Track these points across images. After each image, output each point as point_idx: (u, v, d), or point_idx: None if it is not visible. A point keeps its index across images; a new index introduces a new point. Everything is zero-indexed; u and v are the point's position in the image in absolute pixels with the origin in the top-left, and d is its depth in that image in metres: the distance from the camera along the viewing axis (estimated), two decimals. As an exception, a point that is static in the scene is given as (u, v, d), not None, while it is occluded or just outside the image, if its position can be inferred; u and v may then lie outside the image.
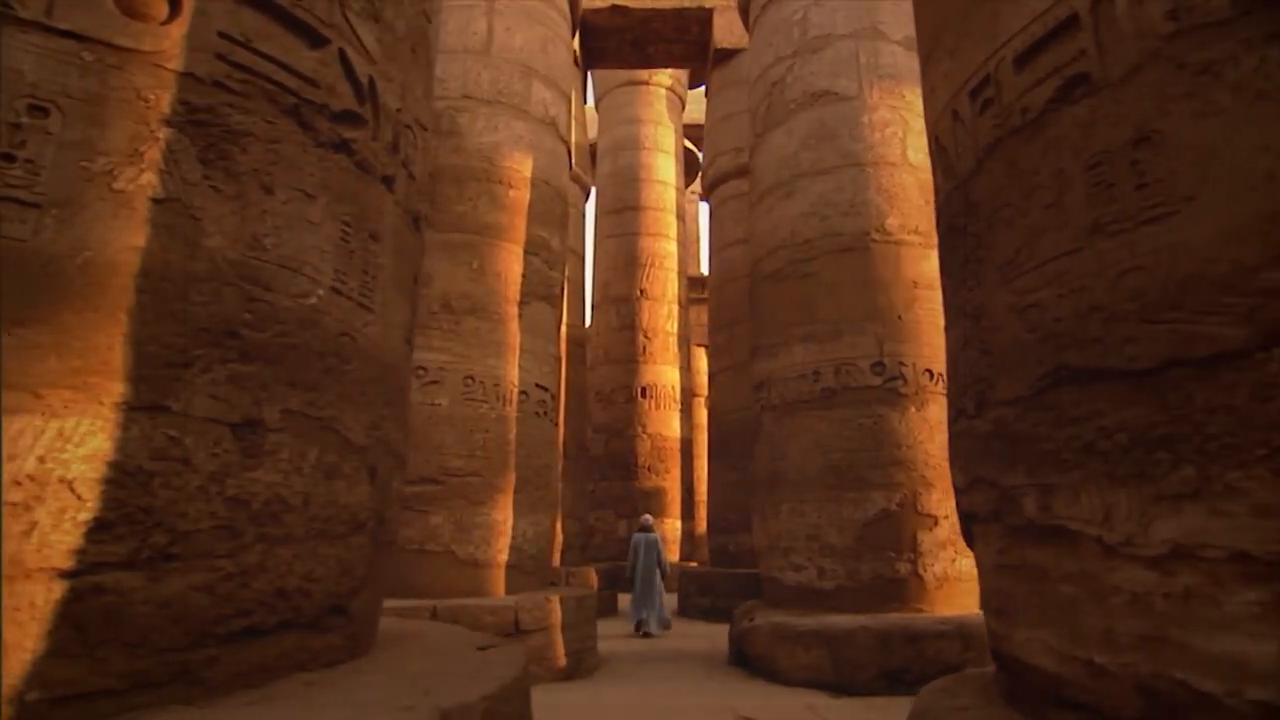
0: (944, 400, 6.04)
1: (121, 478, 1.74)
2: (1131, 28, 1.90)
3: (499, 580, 6.91)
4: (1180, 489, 1.70)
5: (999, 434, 2.35)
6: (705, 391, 17.91)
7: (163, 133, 1.91)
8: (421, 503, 6.62)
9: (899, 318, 7.24)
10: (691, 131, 21.61)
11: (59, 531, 1.64)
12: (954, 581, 6.66)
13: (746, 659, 7.12)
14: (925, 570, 6.70)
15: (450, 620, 5.71)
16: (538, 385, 7.70)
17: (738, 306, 12.58)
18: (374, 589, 2.61)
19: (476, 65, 7.84)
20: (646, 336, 16.86)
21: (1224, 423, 1.63)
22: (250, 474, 1.99)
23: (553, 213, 8.31)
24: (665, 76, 18.61)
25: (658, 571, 10.29)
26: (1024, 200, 2.25)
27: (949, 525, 6.57)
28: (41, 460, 1.64)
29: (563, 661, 6.79)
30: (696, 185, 22.01)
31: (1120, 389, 1.86)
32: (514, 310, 7.46)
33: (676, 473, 16.53)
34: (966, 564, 6.41)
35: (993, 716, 2.32)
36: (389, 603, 5.52)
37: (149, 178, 1.87)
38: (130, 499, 1.75)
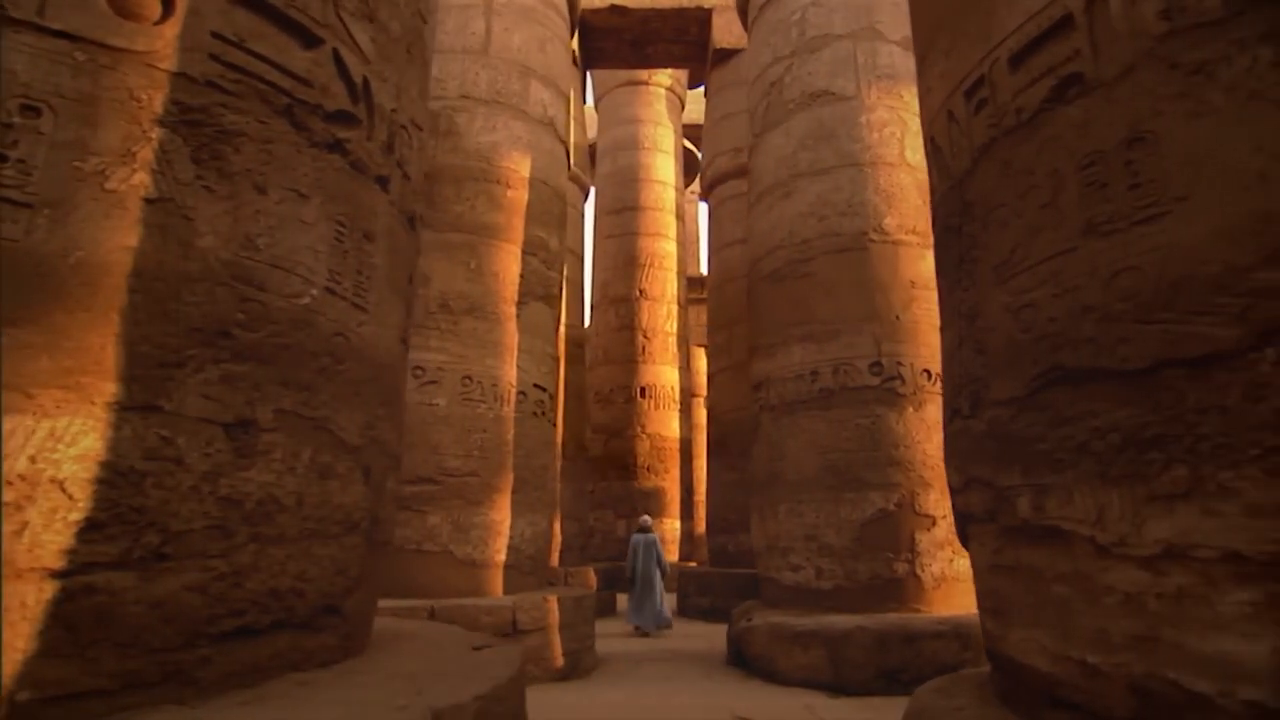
0: (941, 400, 6.04)
1: (113, 477, 1.74)
2: (1125, 27, 1.90)
3: (497, 580, 6.90)
4: (1172, 489, 1.70)
5: (993, 434, 2.35)
6: (704, 391, 17.90)
7: (155, 133, 1.91)
8: (419, 503, 6.61)
9: (897, 318, 7.24)
10: (691, 131, 21.62)
11: (50, 531, 1.64)
12: (952, 581, 6.66)
13: (745, 659, 7.12)
14: (923, 570, 6.70)
15: (448, 620, 5.70)
16: (535, 385, 7.70)
17: (737, 306, 12.57)
18: (368, 589, 2.61)
19: (475, 65, 7.84)
20: (646, 337, 16.86)
21: (1216, 423, 1.63)
22: (243, 474, 1.99)
23: (551, 213, 8.31)
24: (665, 77, 18.61)
25: (657, 572, 10.31)
26: (1018, 200, 2.25)
27: (947, 525, 6.57)
28: (33, 460, 1.64)
29: (560, 661, 6.79)
30: (696, 185, 22.01)
31: (1113, 389, 1.86)
32: (512, 310, 7.46)
33: (676, 473, 16.53)
34: (964, 564, 6.41)
35: (987, 717, 2.32)
36: (386, 603, 5.54)
37: (141, 178, 1.87)
38: (122, 499, 1.75)
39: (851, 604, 6.73)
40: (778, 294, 7.97)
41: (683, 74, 18.92)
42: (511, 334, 7.41)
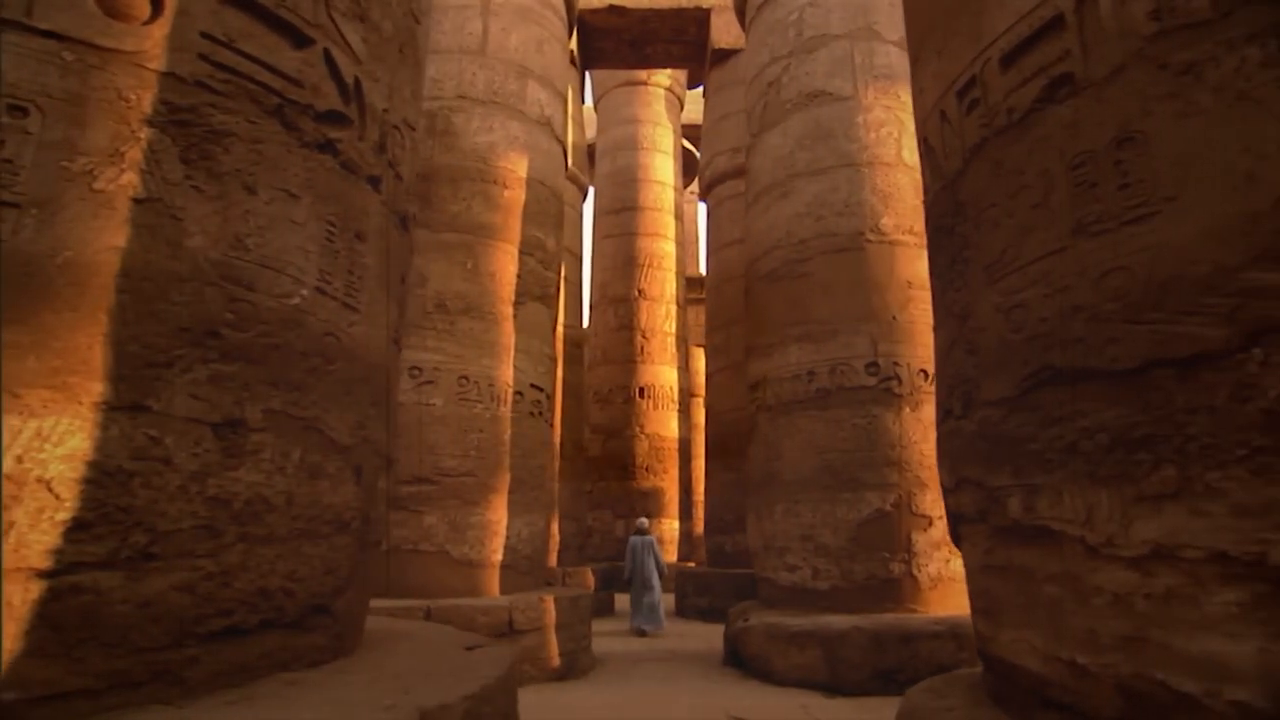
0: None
1: (100, 477, 1.74)
2: (1115, 28, 1.90)
3: (493, 580, 6.90)
4: (1161, 489, 1.70)
5: (985, 434, 2.35)
6: (703, 392, 17.89)
7: (144, 133, 1.91)
8: (416, 503, 6.61)
9: (893, 318, 7.24)
10: (690, 132, 21.61)
11: (36, 531, 1.64)
12: (948, 582, 6.65)
13: (741, 659, 7.12)
14: (919, 571, 6.70)
15: (444, 620, 5.70)
16: (532, 385, 7.69)
17: (735, 307, 12.56)
18: (359, 589, 2.61)
19: (472, 65, 7.83)
20: (644, 337, 16.86)
21: (1204, 423, 1.63)
22: (232, 474, 1.99)
23: (548, 213, 8.30)
24: (664, 77, 18.61)
25: (654, 573, 10.36)
26: (1010, 200, 2.25)
27: (943, 526, 6.55)
28: (19, 460, 1.64)
29: (557, 661, 6.78)
30: (695, 185, 22.01)
31: (1103, 389, 1.86)
32: (509, 310, 7.46)
33: (674, 473, 16.53)
34: (960, 564, 6.39)
35: (979, 717, 2.32)
36: (382, 603, 5.54)
37: (130, 178, 1.87)
38: (109, 499, 1.75)
39: (848, 604, 6.73)
40: (775, 294, 7.97)
41: (682, 74, 18.92)
42: (508, 334, 7.41)
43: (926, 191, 2.93)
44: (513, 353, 7.42)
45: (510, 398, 7.32)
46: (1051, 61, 2.08)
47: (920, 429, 6.94)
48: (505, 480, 7.14)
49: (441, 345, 6.99)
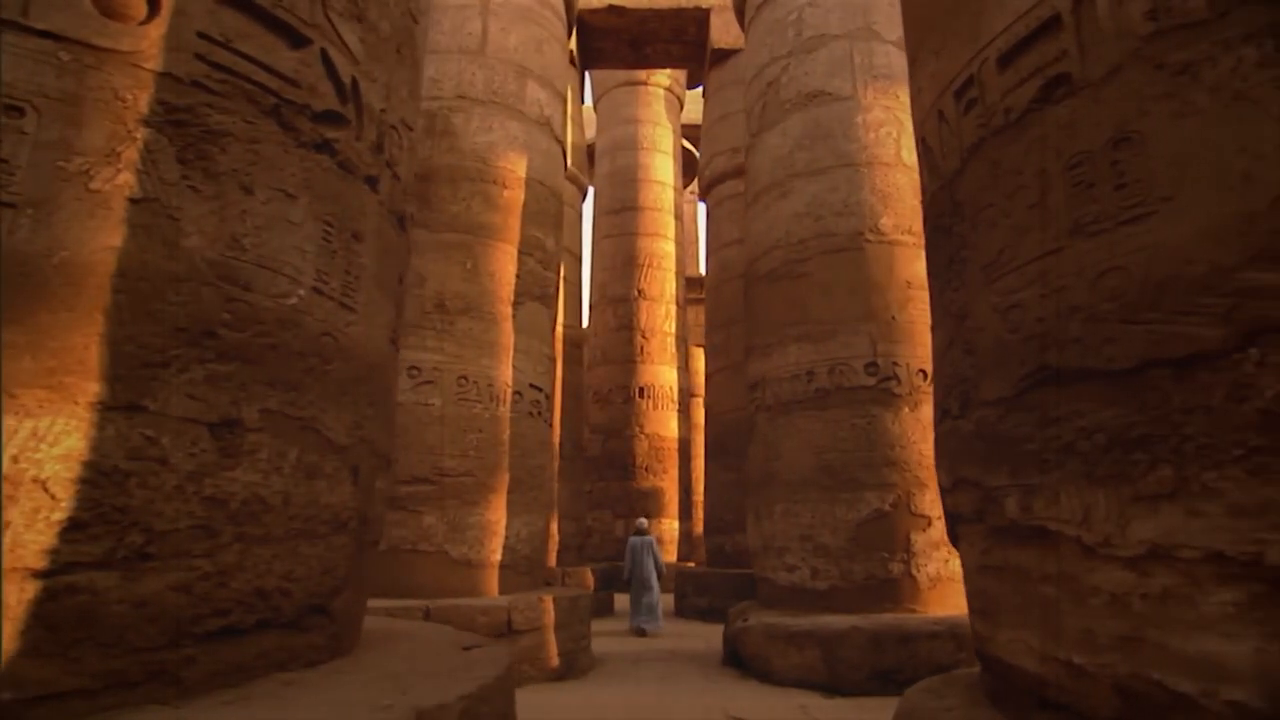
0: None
1: (97, 477, 1.74)
2: (1112, 28, 1.90)
3: (492, 580, 6.90)
4: (1158, 489, 1.70)
5: (982, 434, 2.35)
6: (703, 392, 17.90)
7: (141, 133, 1.91)
8: (415, 503, 6.61)
9: (893, 318, 7.24)
10: (690, 132, 21.61)
11: (32, 531, 1.64)
12: (947, 582, 6.65)
13: (741, 659, 7.11)
14: (918, 571, 6.70)
15: (443, 620, 5.70)
16: (531, 385, 7.69)
17: (734, 307, 12.57)
18: (357, 589, 2.61)
19: (471, 65, 7.83)
20: (644, 337, 16.86)
21: (1201, 423, 1.63)
22: (228, 474, 1.99)
23: (547, 213, 8.30)
24: (664, 77, 18.60)
25: (653, 574, 10.38)
26: (1007, 200, 2.25)
27: (942, 526, 6.54)
28: (15, 460, 1.64)
29: (555, 662, 6.78)
30: (695, 185, 22.00)
31: (1100, 389, 1.86)
32: (508, 310, 7.45)
33: (674, 473, 16.52)
34: (959, 564, 6.40)
35: (976, 717, 2.32)
36: (381, 603, 5.54)
37: (126, 178, 1.87)
38: (105, 499, 1.75)
39: (847, 604, 6.73)
40: (774, 294, 7.97)
41: (681, 74, 18.92)
42: (507, 334, 7.41)
43: (924, 191, 2.93)
44: (512, 353, 7.42)
45: (509, 398, 7.33)
46: (1048, 61, 2.08)
47: (919, 429, 6.93)
48: (504, 480, 7.14)
49: (440, 345, 6.99)
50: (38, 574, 1.64)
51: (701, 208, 22.50)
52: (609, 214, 17.80)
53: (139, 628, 1.78)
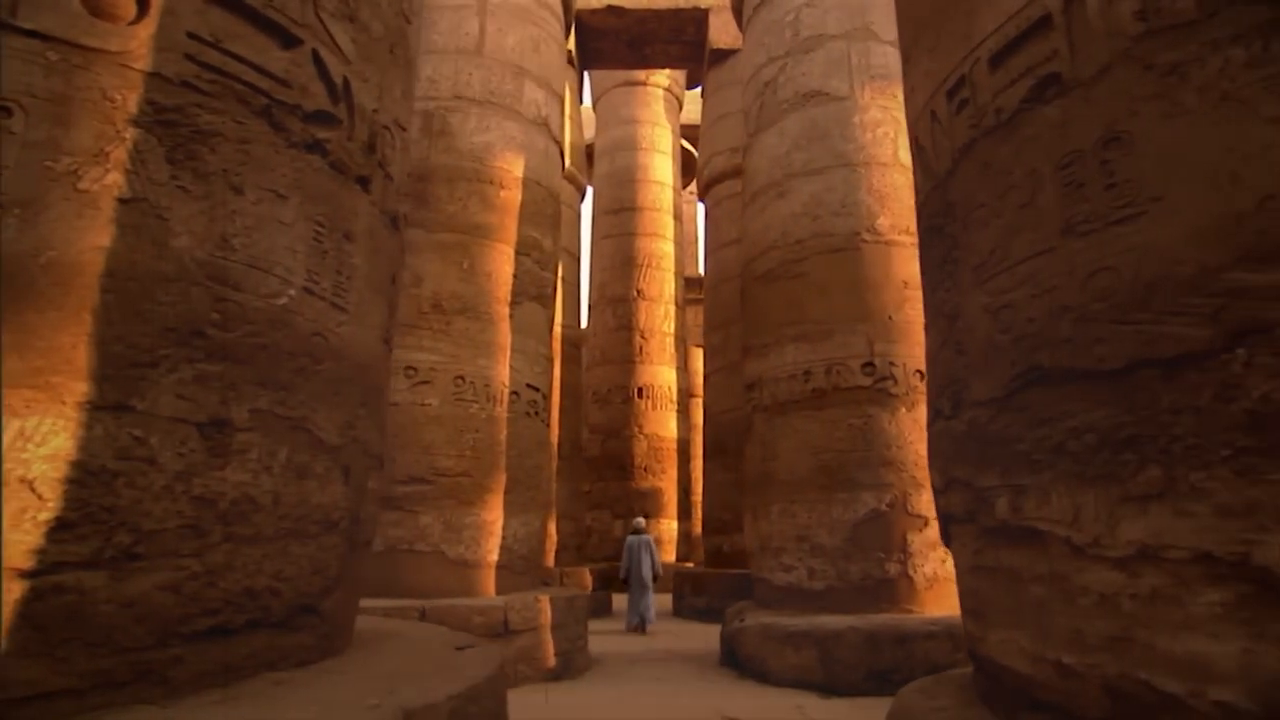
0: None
1: (84, 477, 1.73)
2: (1102, 28, 1.90)
3: (489, 580, 6.90)
4: (1146, 490, 1.70)
5: (973, 435, 2.35)
6: (702, 392, 17.90)
7: (129, 133, 1.91)
8: (411, 502, 6.61)
9: (890, 318, 7.24)
10: (689, 132, 21.60)
11: (19, 531, 1.64)
12: (944, 582, 6.65)
13: (737, 659, 7.11)
14: (915, 571, 6.69)
15: (439, 620, 5.70)
16: (529, 385, 7.69)
17: (733, 307, 12.57)
18: (348, 588, 2.61)
19: (468, 65, 7.83)
20: (643, 337, 16.85)
21: (1189, 423, 1.63)
22: (217, 473, 1.99)
23: (544, 213, 8.30)
24: (663, 77, 18.60)
25: (649, 573, 10.42)
26: (998, 201, 2.25)
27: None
28: (1, 460, 1.64)
29: (552, 661, 6.78)
30: (694, 185, 21.99)
31: (1089, 389, 1.86)
32: (505, 310, 7.45)
33: (673, 473, 16.53)
34: (957, 565, 6.38)
35: (968, 717, 2.31)
36: (378, 603, 5.54)
37: (115, 178, 1.87)
38: (93, 498, 1.74)
39: (843, 604, 6.73)
40: (771, 294, 7.97)
41: (680, 74, 18.92)
42: (504, 334, 7.41)
43: (918, 191, 2.93)
44: (509, 353, 7.42)
45: (506, 398, 7.32)
46: (1039, 61, 2.08)
47: (916, 429, 6.93)
48: (501, 480, 7.14)
49: (437, 345, 6.99)
50: (24, 574, 1.64)
51: (700, 208, 22.48)
52: (608, 214, 17.80)
53: (127, 627, 1.78)
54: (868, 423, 7.01)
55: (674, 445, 16.69)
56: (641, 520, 11.13)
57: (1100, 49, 1.90)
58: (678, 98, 19.36)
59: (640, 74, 18.17)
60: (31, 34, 1.79)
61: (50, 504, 1.68)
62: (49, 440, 1.70)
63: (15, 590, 1.63)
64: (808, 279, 7.58)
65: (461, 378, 6.98)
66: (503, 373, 7.31)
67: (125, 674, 1.77)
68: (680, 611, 12.61)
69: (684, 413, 17.63)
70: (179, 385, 1.92)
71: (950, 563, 6.68)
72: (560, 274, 10.96)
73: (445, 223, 7.32)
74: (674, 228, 18.15)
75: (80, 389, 1.75)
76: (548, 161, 8.43)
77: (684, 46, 14.55)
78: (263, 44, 2.22)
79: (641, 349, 16.75)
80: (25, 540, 1.64)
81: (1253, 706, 1.45)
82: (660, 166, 18.26)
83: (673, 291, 17.52)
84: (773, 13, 8.64)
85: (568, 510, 13.15)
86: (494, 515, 7.01)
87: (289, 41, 2.30)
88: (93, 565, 1.73)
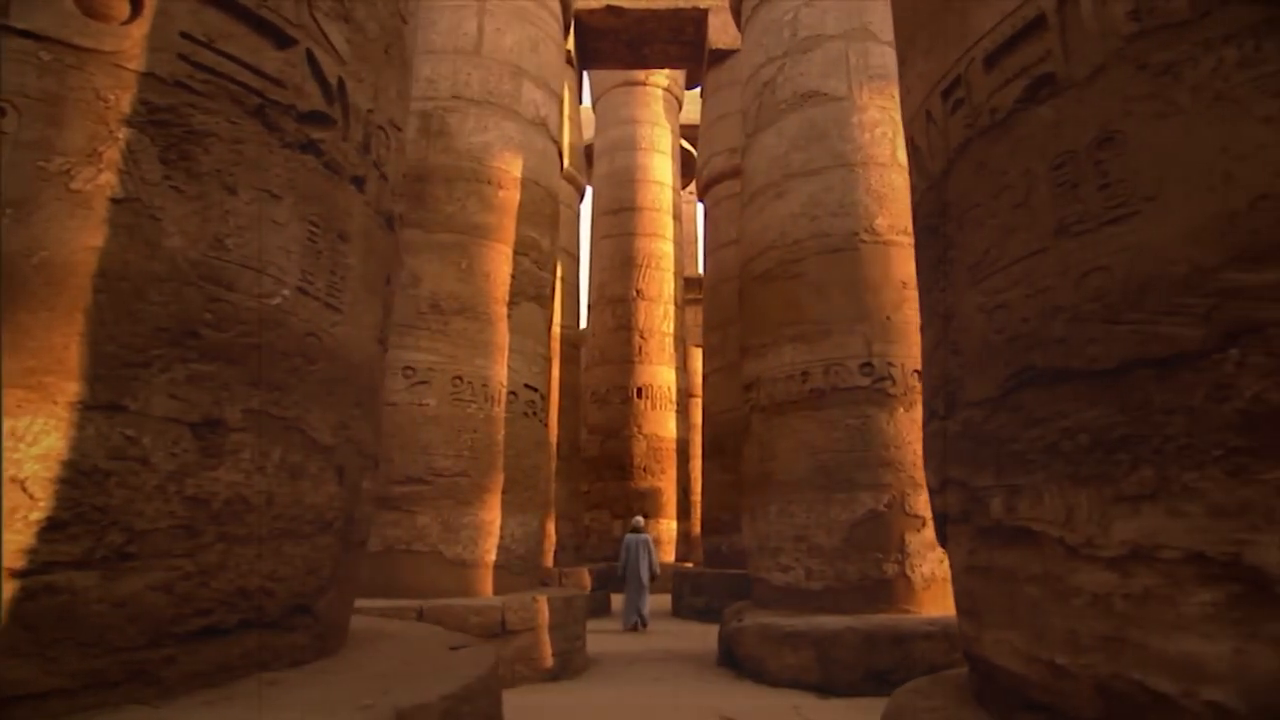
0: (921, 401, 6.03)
1: (76, 477, 1.73)
2: (1095, 28, 1.90)
3: (487, 580, 6.90)
4: (1139, 490, 1.70)
5: (968, 435, 2.34)
6: (701, 392, 17.90)
7: (122, 133, 1.91)
8: (409, 503, 6.61)
9: (888, 318, 7.23)
10: (688, 132, 21.60)
11: (10, 531, 1.64)
12: (942, 582, 6.64)
13: (735, 660, 7.11)
14: (913, 571, 6.69)
15: (436, 621, 5.69)
16: (526, 385, 7.69)
17: (731, 307, 12.56)
18: (343, 588, 2.60)
19: (466, 66, 7.83)
20: (642, 337, 16.85)
21: (1182, 423, 1.62)
22: (210, 473, 1.98)
23: (543, 213, 8.30)
24: (662, 77, 18.59)
25: (646, 572, 10.44)
26: (993, 201, 2.25)
27: (937, 526, 6.55)
28: (-8, 460, 1.64)
29: (549, 662, 6.78)
30: (694, 185, 21.99)
31: (1083, 389, 1.86)
32: (503, 311, 7.45)
33: (672, 473, 16.52)
34: (955, 565, 6.38)
35: (963, 717, 2.31)
36: (375, 603, 5.53)
37: (107, 178, 1.87)
38: (85, 498, 1.74)
39: (841, 605, 6.72)
40: (769, 294, 7.96)
41: (680, 74, 18.91)
42: (502, 334, 7.41)
43: (914, 191, 2.93)
44: (507, 353, 7.42)
45: (504, 398, 7.32)
46: (1033, 61, 2.08)
47: (914, 429, 6.93)
48: (499, 480, 7.14)
49: (435, 345, 6.99)
50: (15, 574, 1.64)
51: (700, 208, 22.48)
52: (607, 214, 17.79)
53: (119, 627, 1.78)
54: (865, 423, 7.01)
55: (673, 445, 16.69)
56: (640, 520, 11.15)
57: (1094, 49, 1.90)
58: (677, 98, 19.36)
59: (640, 74, 18.17)
60: (24, 34, 1.79)
61: (42, 504, 1.68)
62: (41, 440, 1.69)
63: (6, 590, 1.62)
64: (806, 279, 7.58)
65: (459, 378, 6.98)
66: (500, 373, 7.31)
67: (117, 674, 1.77)
68: (679, 611, 12.61)
69: (683, 413, 17.63)
70: (172, 385, 1.92)
71: (948, 563, 6.68)
72: (559, 274, 10.97)
73: (443, 223, 7.32)
74: (673, 228, 18.15)
75: (72, 389, 1.75)
76: (546, 161, 8.43)
77: (683, 46, 14.55)
78: (257, 44, 2.22)
79: (641, 349, 16.75)
80: (16, 540, 1.64)
81: (1244, 707, 1.45)
82: (660, 166, 18.26)
83: (672, 291, 17.51)
84: (771, 12, 8.64)
85: (567, 510, 13.15)
86: (492, 515, 7.00)
87: (283, 42, 2.30)
88: (84, 565, 1.73)
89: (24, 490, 1.66)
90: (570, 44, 12.74)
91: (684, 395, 17.83)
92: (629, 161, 17.96)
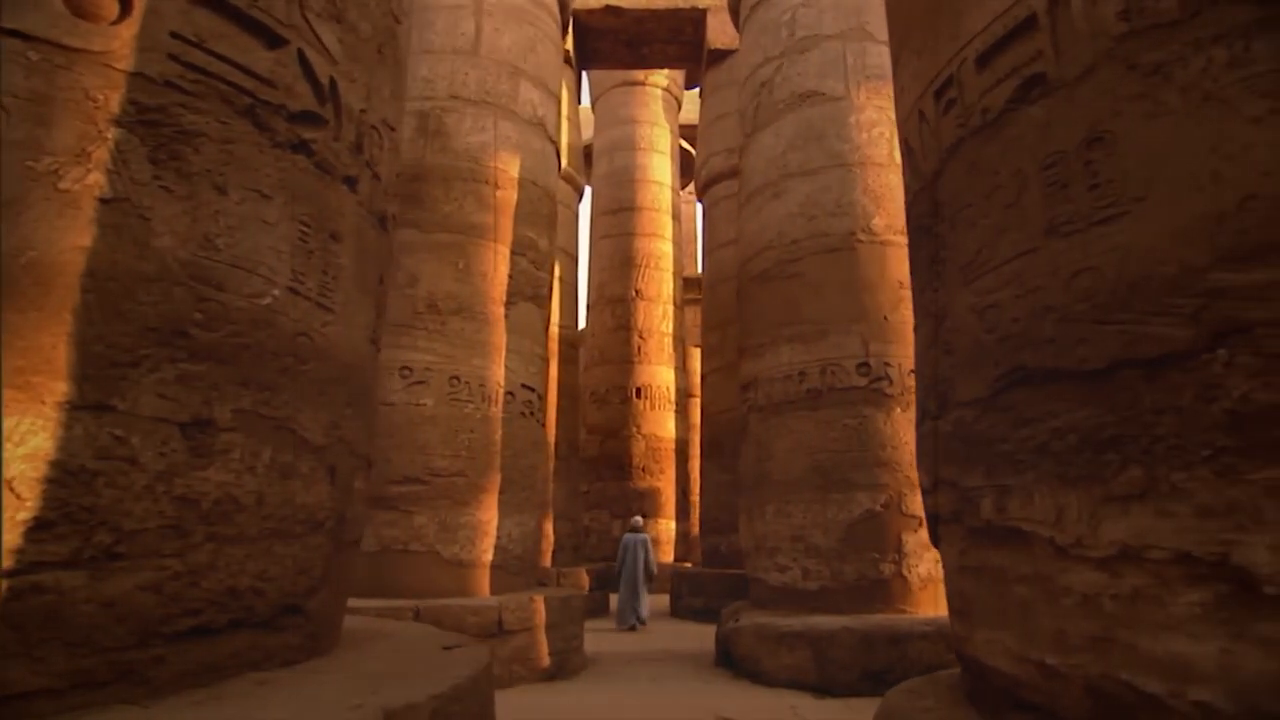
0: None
1: (64, 477, 1.73)
2: (1086, 28, 1.90)
3: (484, 580, 6.90)
4: (1128, 490, 1.70)
5: (959, 435, 2.35)
6: (700, 392, 17.89)
7: (111, 133, 1.90)
8: (406, 503, 6.61)
9: (885, 318, 7.23)
10: (687, 132, 21.59)
11: (-3, 531, 1.64)
12: (938, 583, 6.64)
13: (732, 660, 7.11)
14: (909, 571, 6.69)
15: (433, 621, 5.69)
16: (524, 386, 7.69)
17: (730, 307, 12.55)
18: (334, 588, 2.60)
19: (464, 66, 7.83)
20: (641, 337, 16.85)
21: (1170, 424, 1.62)
22: (200, 473, 1.98)
23: (540, 213, 8.30)
24: (661, 77, 18.59)
25: (642, 571, 10.45)
26: (984, 201, 2.25)
27: (934, 526, 6.55)
28: (-21, 459, 1.63)
29: (546, 662, 6.78)
30: (693, 185, 21.99)
31: (1072, 390, 1.86)
32: (500, 311, 7.45)
33: (671, 473, 16.52)
34: (951, 565, 6.38)
35: (955, 717, 2.31)
36: (372, 603, 5.53)
37: (96, 178, 1.86)
38: (73, 498, 1.74)
39: (838, 605, 6.72)
40: (766, 294, 7.97)
41: (679, 74, 18.90)
42: (500, 334, 7.40)
43: (907, 191, 2.93)
44: (504, 353, 7.42)
45: (501, 398, 7.32)
46: (1024, 62, 2.08)
47: (911, 429, 6.92)
48: (496, 480, 7.13)
49: (432, 345, 6.99)
50: (2, 574, 1.64)
51: (699, 208, 22.47)
52: (606, 214, 17.79)
53: (107, 627, 1.78)
54: (863, 423, 7.01)
55: (672, 445, 16.68)
56: (639, 520, 11.16)
57: (1084, 49, 1.90)
58: (676, 98, 19.36)
59: (639, 74, 18.16)
60: (13, 34, 1.79)
61: (29, 503, 1.68)
62: (28, 440, 1.69)
63: (-7, 590, 1.62)
64: (803, 279, 7.58)
65: (456, 378, 6.98)
66: (498, 373, 7.31)
67: (105, 674, 1.77)
68: (677, 611, 12.61)
69: (682, 413, 17.63)
70: (161, 385, 1.92)
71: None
72: (558, 274, 10.97)
73: (441, 223, 7.32)
74: (672, 228, 18.14)
75: (60, 389, 1.75)
76: (544, 161, 8.43)
77: (682, 47, 14.54)
78: (247, 44, 2.21)
79: (640, 349, 16.74)
80: (3, 540, 1.64)
81: (1231, 707, 1.45)
82: (659, 166, 18.26)
83: (671, 291, 17.51)
84: (769, 13, 8.64)
85: (565, 510, 13.15)
86: (489, 515, 7.00)
87: (274, 42, 2.29)
88: (72, 565, 1.73)
89: (11, 490, 1.66)
90: (569, 44, 12.73)
91: (683, 395, 17.83)
92: (628, 161, 17.96)
